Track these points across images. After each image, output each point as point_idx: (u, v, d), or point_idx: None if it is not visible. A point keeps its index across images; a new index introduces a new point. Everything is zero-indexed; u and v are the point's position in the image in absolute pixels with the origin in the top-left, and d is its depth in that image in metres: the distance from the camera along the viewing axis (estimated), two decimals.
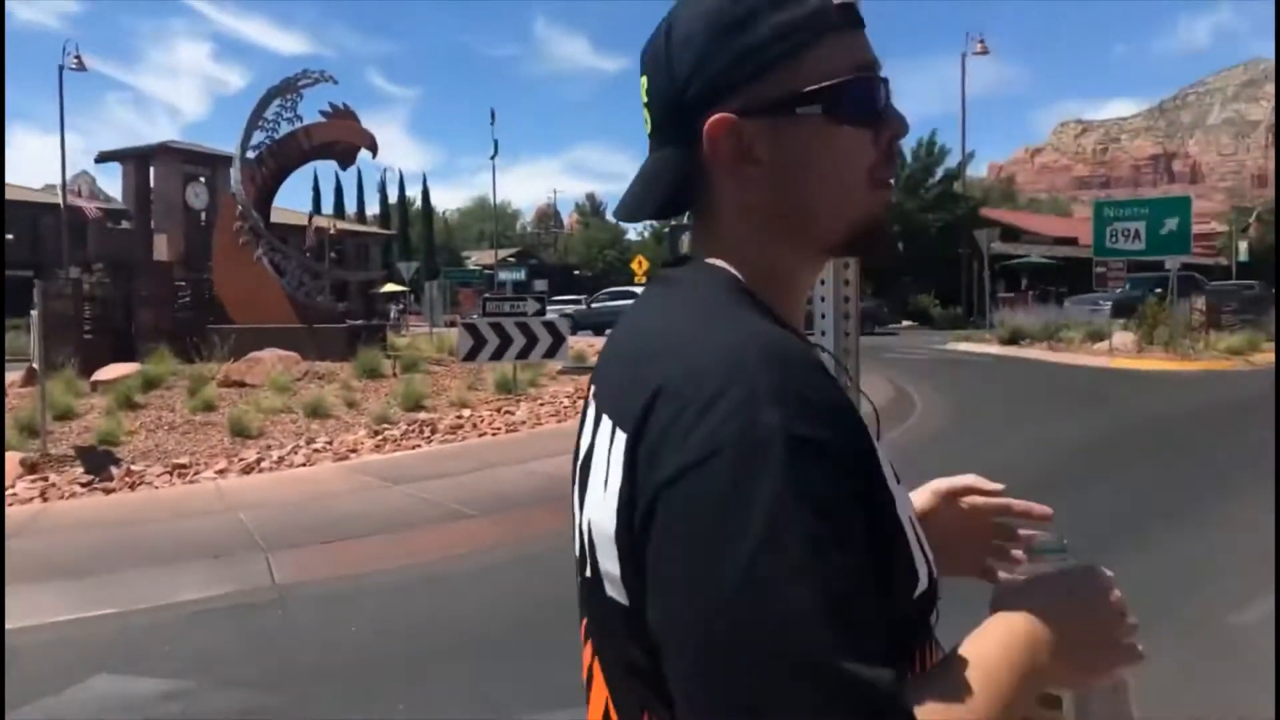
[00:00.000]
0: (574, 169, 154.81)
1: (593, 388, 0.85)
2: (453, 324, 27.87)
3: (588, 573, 0.77)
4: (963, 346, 23.80)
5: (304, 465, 8.70)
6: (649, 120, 0.85)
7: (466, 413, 11.42)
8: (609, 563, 0.73)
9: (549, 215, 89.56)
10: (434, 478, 8.03)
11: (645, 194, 0.84)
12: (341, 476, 8.24)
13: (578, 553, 0.80)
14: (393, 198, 68.52)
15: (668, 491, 0.65)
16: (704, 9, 0.80)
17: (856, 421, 0.71)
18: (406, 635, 4.64)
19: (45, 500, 7.46)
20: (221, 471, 8.35)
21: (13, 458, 8.38)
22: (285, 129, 18.00)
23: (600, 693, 0.80)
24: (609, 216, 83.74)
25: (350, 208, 67.15)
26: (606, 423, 0.75)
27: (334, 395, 11.81)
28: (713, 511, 0.63)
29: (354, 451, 9.25)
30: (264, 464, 8.63)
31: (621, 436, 0.71)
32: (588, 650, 0.83)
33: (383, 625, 4.82)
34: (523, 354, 12.32)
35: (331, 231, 19.56)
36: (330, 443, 9.46)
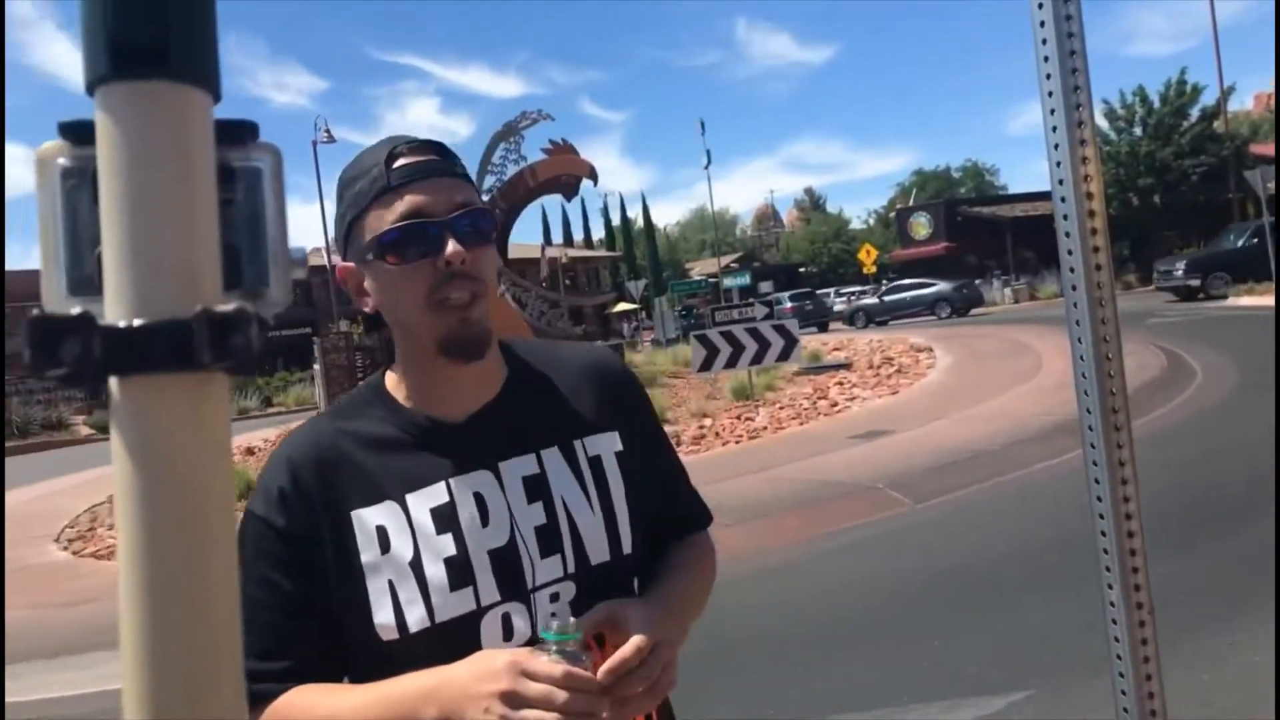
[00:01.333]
0: (789, 165, 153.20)
1: None
2: (684, 335, 28.31)
3: None
4: (1244, 301, 21.37)
5: None
6: None
7: (708, 422, 11.56)
8: None
9: (768, 216, 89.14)
10: None
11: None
12: None
13: None
14: (615, 220, 70.76)
15: None
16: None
17: (292, 506, 1.07)
18: None
19: None
20: None
21: None
22: (512, 170, 19.02)
23: None
24: (829, 209, 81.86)
25: (577, 235, 69.90)
26: None
27: None
28: None
29: None
30: None
31: None
32: None
33: None
34: (756, 359, 12.33)
35: (563, 260, 20.48)
36: None
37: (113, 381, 0.31)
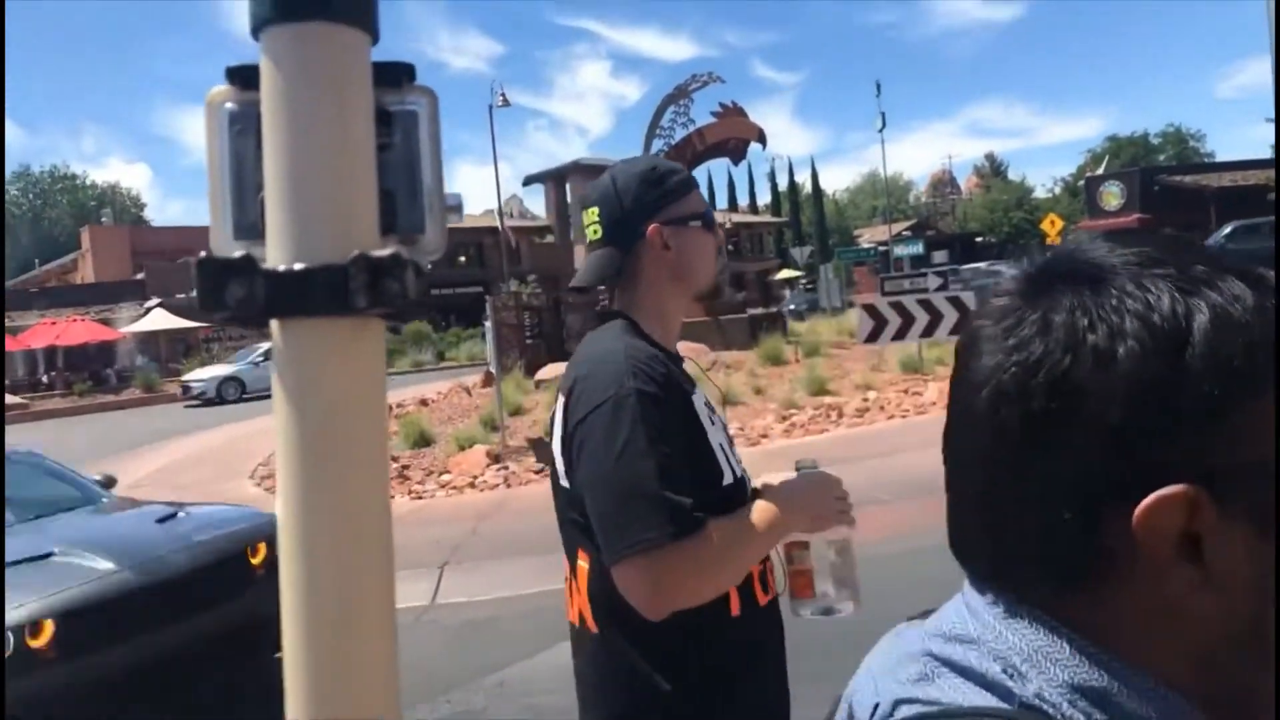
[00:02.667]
0: (969, 130, 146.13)
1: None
2: (850, 304, 27.70)
3: (557, 477, 1.47)
4: None
5: None
6: (597, 232, 1.55)
7: (872, 395, 11.29)
8: (561, 464, 1.42)
9: (944, 182, 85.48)
10: (845, 461, 8.02)
11: (596, 270, 1.54)
12: (758, 462, 8.49)
13: (553, 473, 1.50)
14: (782, 185, 69.71)
15: (583, 423, 1.35)
16: (637, 171, 1.54)
17: (674, 387, 1.38)
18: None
19: (509, 486, 8.58)
20: None
21: (479, 450, 9.75)
22: (680, 134, 19.01)
23: (566, 559, 1.53)
24: (1011, 176, 77.73)
25: (742, 199, 69.24)
26: (560, 398, 1.44)
27: (741, 383, 12.27)
28: (604, 430, 1.32)
29: (764, 437, 9.54)
30: None
31: (561, 400, 1.43)
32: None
33: None
34: (927, 332, 11.90)
35: (727, 225, 20.38)
36: (741, 429, 9.85)
37: (274, 324, 0.32)
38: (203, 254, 0.32)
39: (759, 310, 18.72)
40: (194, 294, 0.32)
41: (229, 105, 0.35)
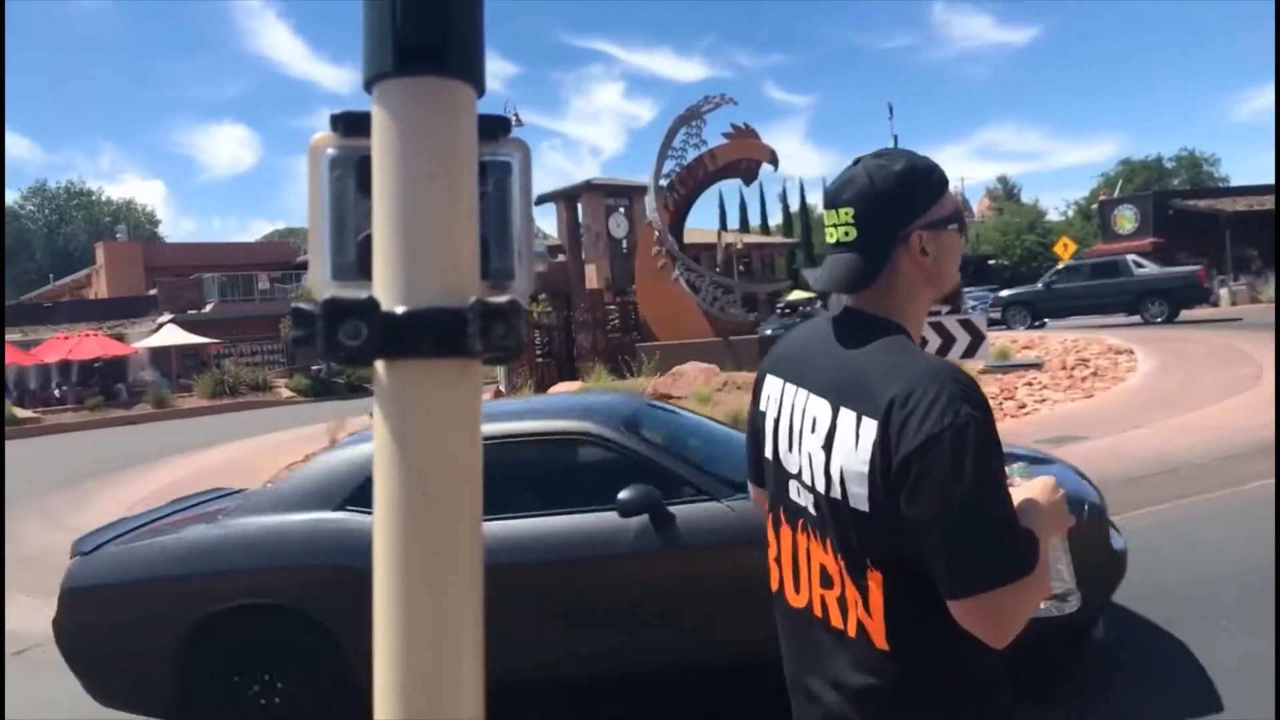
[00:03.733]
0: (982, 152, 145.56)
1: (784, 381, 1.55)
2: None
3: (835, 494, 1.38)
4: None
5: None
6: (850, 234, 1.45)
7: None
8: (857, 488, 1.34)
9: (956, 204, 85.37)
10: None
11: (851, 275, 1.45)
12: None
13: (818, 483, 1.41)
14: (794, 206, 69.84)
15: (920, 452, 1.27)
16: (897, 171, 1.44)
17: (989, 407, 1.32)
18: None
19: None
20: None
21: None
22: (692, 154, 19.03)
23: (820, 558, 1.44)
24: (1024, 199, 77.76)
25: (754, 220, 69.31)
26: (848, 414, 1.36)
27: None
28: (950, 461, 1.26)
29: None
30: None
31: (870, 423, 1.33)
32: (790, 537, 1.51)
33: None
34: (938, 355, 11.86)
35: (738, 246, 20.46)
36: None
37: (379, 363, 0.33)
38: (328, 297, 0.33)
39: (770, 331, 18.72)
40: (292, 334, 0.33)
41: (330, 151, 0.36)
